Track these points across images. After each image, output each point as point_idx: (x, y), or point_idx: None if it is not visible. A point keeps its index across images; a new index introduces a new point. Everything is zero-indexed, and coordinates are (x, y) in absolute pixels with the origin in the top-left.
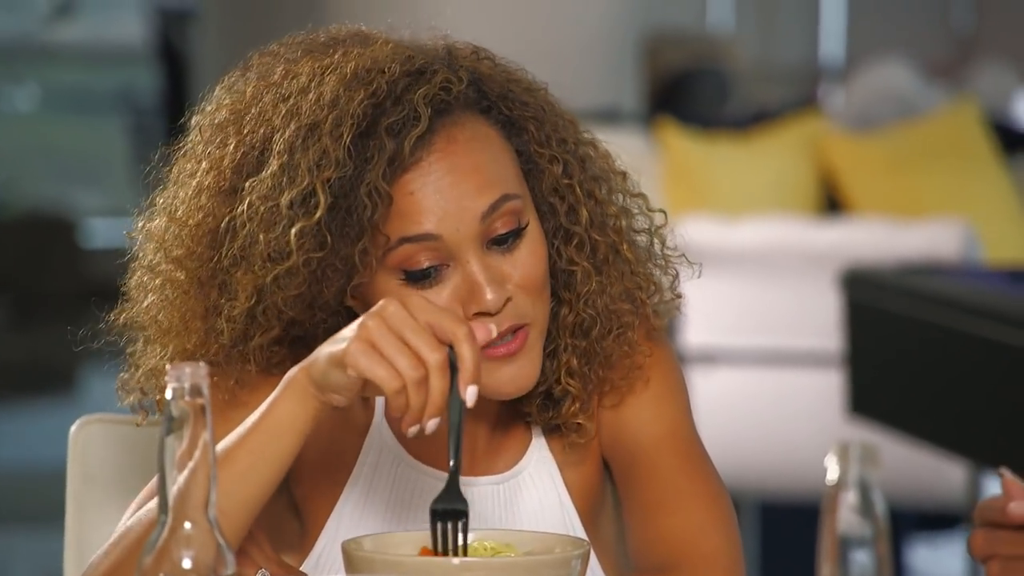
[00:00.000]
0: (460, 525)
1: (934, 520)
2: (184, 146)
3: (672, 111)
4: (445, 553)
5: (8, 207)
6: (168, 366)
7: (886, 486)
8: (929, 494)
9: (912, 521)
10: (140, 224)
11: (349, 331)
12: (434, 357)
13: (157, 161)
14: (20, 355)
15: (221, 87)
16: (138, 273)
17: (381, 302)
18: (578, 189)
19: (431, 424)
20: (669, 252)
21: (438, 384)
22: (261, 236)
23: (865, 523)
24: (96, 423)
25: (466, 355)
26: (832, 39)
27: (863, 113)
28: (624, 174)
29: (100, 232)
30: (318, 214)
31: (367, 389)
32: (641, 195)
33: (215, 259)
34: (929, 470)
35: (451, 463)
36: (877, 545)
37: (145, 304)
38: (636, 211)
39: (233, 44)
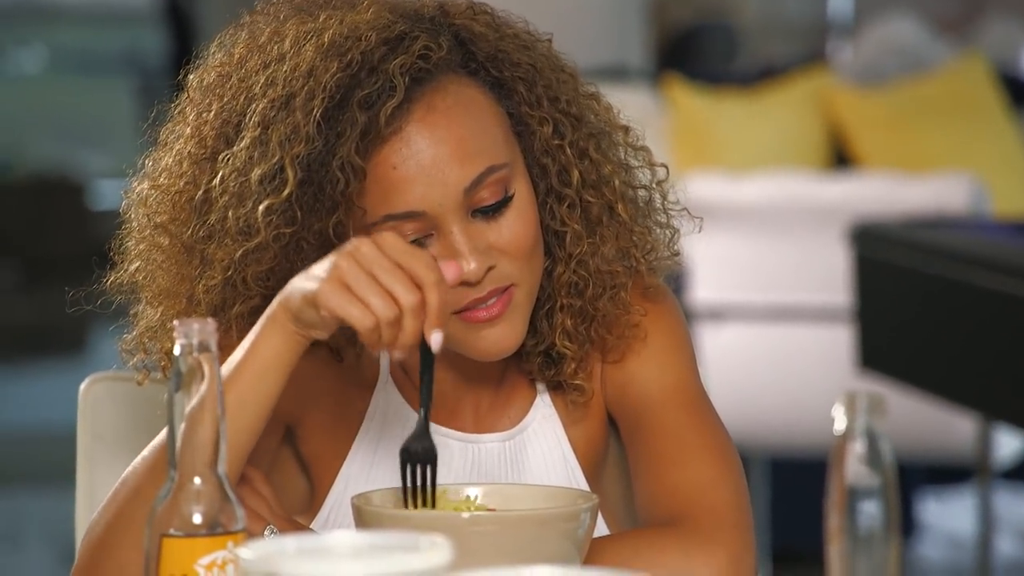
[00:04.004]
0: (429, 469)
1: (944, 474)
2: (177, 106)
3: (679, 67)
4: (414, 499)
5: (15, 169)
6: (176, 322)
7: (896, 440)
8: (939, 448)
9: (922, 475)
10: (133, 186)
11: (321, 269)
12: (409, 299)
13: (152, 120)
14: (28, 318)
15: (216, 45)
16: (127, 237)
17: (353, 240)
18: (569, 150)
19: (398, 355)
20: (670, 206)
21: (411, 325)
22: (230, 212)
23: (873, 473)
24: (105, 381)
25: (432, 301)
26: None
27: (871, 68)
28: (627, 128)
29: (107, 194)
30: (287, 191)
31: (342, 325)
32: (644, 148)
33: (195, 228)
34: (938, 424)
35: (421, 410)
36: (885, 495)
37: (133, 268)
38: (637, 165)
39: (238, 4)
